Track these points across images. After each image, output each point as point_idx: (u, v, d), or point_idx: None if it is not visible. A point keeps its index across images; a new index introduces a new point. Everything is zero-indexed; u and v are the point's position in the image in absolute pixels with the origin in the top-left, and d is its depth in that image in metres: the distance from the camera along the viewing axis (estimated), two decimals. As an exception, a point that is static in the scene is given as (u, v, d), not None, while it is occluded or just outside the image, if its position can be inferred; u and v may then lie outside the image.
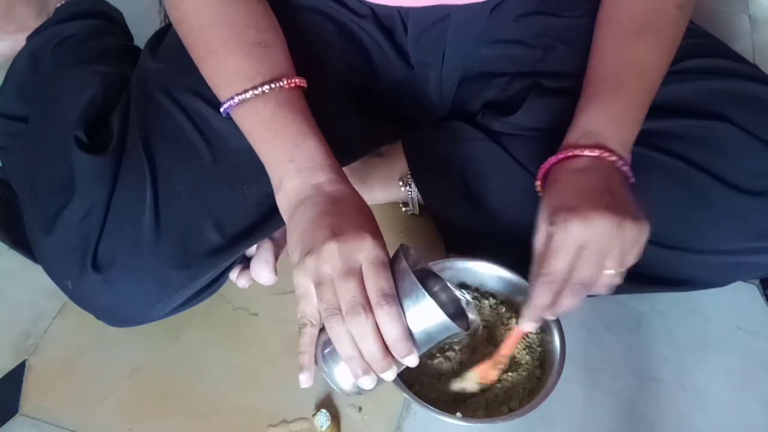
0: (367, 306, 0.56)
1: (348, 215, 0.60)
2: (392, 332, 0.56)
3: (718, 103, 0.77)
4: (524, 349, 0.74)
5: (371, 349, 0.56)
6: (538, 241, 0.64)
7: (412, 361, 0.58)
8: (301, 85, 0.68)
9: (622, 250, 0.62)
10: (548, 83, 0.81)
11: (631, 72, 0.70)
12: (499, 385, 0.71)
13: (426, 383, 0.71)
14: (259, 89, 0.65)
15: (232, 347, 0.82)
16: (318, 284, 0.58)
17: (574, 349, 0.75)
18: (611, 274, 0.62)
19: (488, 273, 0.78)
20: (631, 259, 0.63)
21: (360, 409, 0.77)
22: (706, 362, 0.82)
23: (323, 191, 0.62)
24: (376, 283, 0.57)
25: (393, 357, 0.58)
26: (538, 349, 0.74)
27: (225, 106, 0.67)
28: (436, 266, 0.78)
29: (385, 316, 0.56)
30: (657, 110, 0.72)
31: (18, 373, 0.79)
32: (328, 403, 0.76)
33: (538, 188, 0.70)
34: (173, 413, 0.77)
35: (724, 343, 0.83)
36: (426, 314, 0.57)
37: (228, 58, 0.67)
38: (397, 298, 0.57)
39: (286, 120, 0.65)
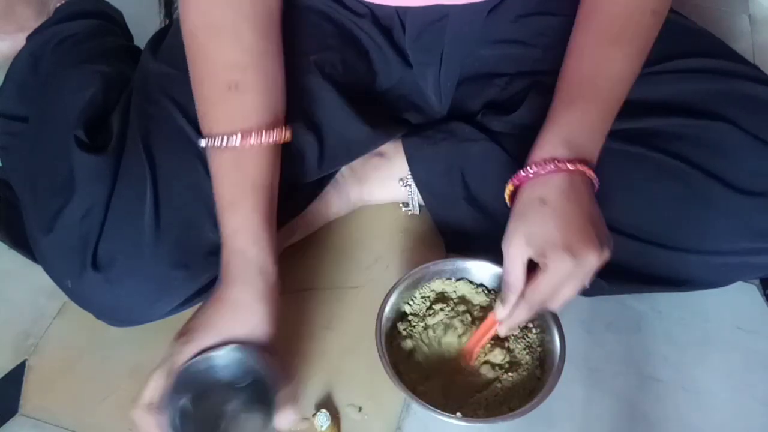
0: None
1: (203, 311, 0.66)
2: None
3: (718, 103, 0.77)
4: (524, 349, 0.74)
5: None
6: (517, 261, 0.65)
7: None
8: (263, 142, 0.66)
9: (594, 272, 0.65)
10: (549, 82, 0.81)
11: (606, 82, 0.70)
12: (499, 385, 0.71)
13: (426, 382, 0.72)
14: (209, 142, 0.66)
15: (232, 347, 0.82)
16: None
17: (574, 349, 0.75)
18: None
19: (488, 273, 0.78)
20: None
21: (360, 409, 0.76)
22: (706, 362, 0.82)
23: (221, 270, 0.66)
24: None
25: None
26: (538, 349, 0.74)
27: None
28: (435, 266, 0.78)
29: None
30: (657, 109, 0.72)
31: (18, 373, 0.79)
32: (328, 403, 0.76)
33: (508, 194, 0.70)
34: (173, 413, 0.77)
35: (724, 343, 0.83)
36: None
37: (199, 95, 0.68)
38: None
39: (226, 180, 0.67)
